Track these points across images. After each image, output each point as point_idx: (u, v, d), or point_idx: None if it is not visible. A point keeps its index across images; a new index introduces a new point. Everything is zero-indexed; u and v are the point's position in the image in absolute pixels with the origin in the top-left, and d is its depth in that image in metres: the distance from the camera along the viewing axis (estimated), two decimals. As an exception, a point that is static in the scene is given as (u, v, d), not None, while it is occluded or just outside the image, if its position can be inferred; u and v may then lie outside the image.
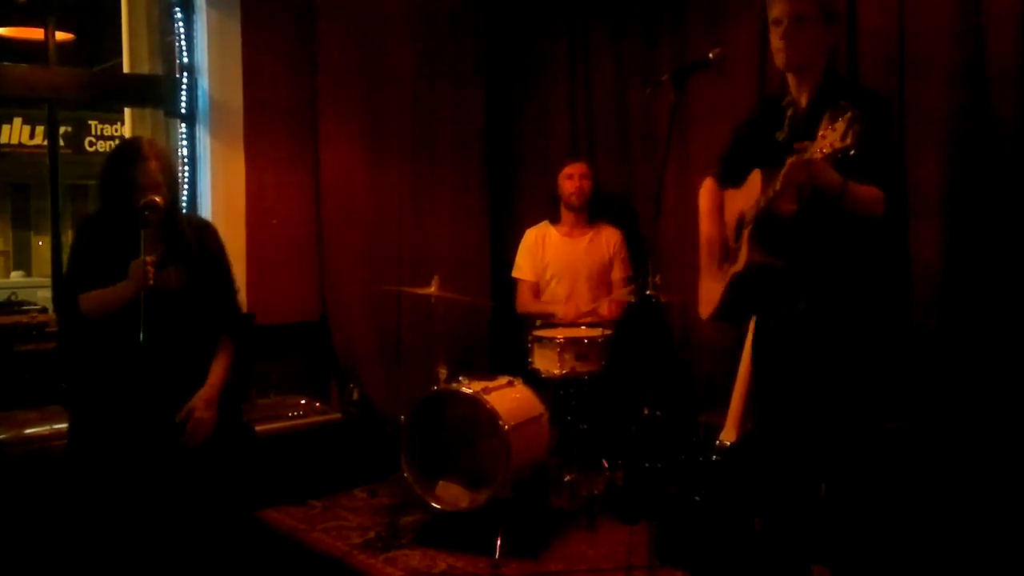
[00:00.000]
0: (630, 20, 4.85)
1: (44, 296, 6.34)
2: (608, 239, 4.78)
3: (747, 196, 2.83)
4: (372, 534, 3.87)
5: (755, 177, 2.76)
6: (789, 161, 2.50)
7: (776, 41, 2.75)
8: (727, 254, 2.97)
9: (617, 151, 4.97)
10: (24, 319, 4.21)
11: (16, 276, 11.61)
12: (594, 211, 4.85)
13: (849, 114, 2.32)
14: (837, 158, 2.39)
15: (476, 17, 5.40)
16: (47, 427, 3.69)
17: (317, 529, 3.98)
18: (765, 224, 2.69)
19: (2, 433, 3.63)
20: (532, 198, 5.31)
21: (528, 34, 5.39)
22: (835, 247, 2.70)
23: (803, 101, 2.80)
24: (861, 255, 2.73)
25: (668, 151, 3.13)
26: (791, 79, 2.83)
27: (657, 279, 3.76)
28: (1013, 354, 3.26)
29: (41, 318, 4.23)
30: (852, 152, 2.32)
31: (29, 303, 4.51)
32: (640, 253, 4.76)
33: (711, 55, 2.96)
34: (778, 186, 2.55)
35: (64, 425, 3.56)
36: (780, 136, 2.81)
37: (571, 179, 4.76)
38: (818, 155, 2.42)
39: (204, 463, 3.12)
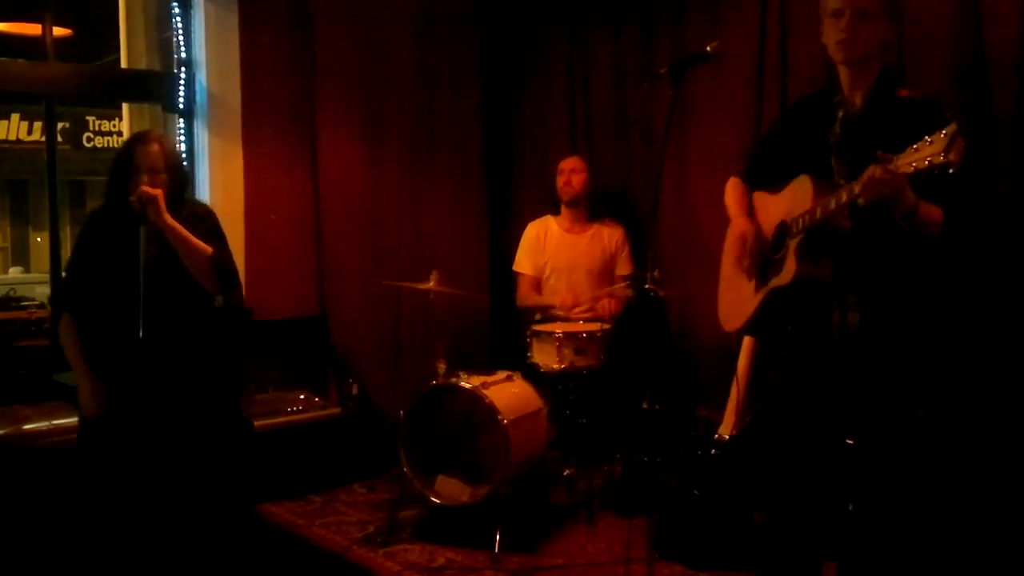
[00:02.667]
0: (628, 15, 4.84)
1: (42, 292, 6.32)
2: (610, 236, 4.76)
3: (790, 202, 2.67)
4: (371, 528, 3.88)
5: (803, 184, 2.61)
6: (873, 172, 2.29)
7: (836, 33, 2.59)
8: (760, 263, 2.82)
9: (616, 146, 4.96)
10: (22, 315, 4.23)
11: (14, 272, 11.62)
12: (596, 207, 4.83)
13: (953, 127, 2.12)
14: (934, 174, 2.16)
15: (474, 12, 5.40)
16: (46, 423, 3.69)
17: (316, 524, 3.99)
18: (817, 236, 2.55)
19: (1, 429, 3.63)
20: (531, 193, 5.31)
21: (526, 29, 5.39)
22: (890, 260, 2.56)
23: (857, 101, 2.64)
24: (917, 268, 2.60)
25: (666, 146, 3.08)
26: (844, 75, 2.67)
27: (656, 273, 3.75)
28: (1013, 348, 3.26)
29: (39, 314, 4.24)
30: (951, 170, 2.11)
31: (27, 299, 4.52)
32: (640, 248, 4.75)
33: (709, 49, 2.91)
34: (845, 198, 2.38)
35: (63, 421, 3.58)
36: (832, 137, 2.66)
37: (562, 174, 4.73)
38: (908, 168, 2.22)
39: (203, 458, 3.13)
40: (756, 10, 4.16)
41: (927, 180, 2.22)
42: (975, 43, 3.36)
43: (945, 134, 2.12)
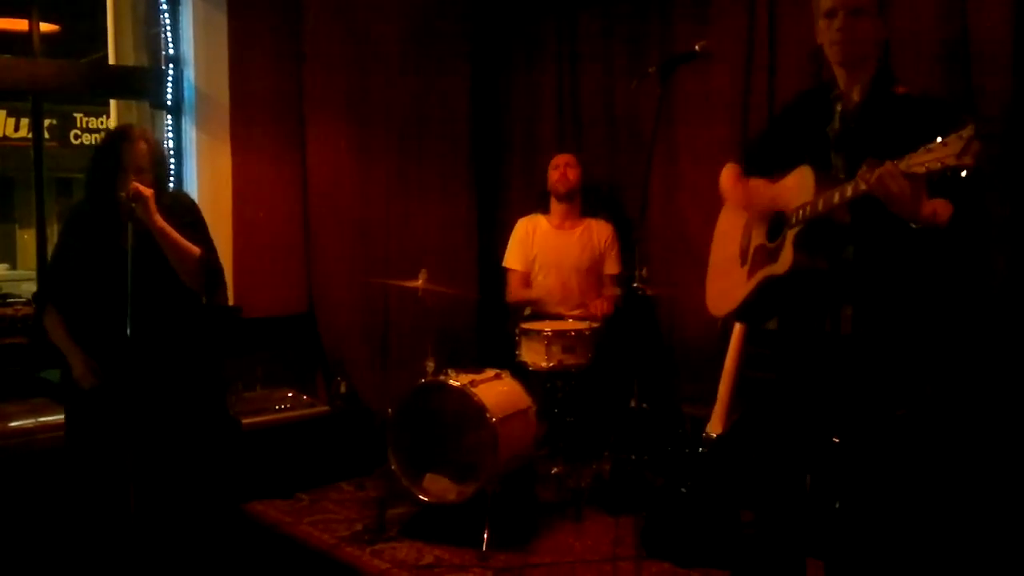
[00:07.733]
0: (618, 12, 4.85)
1: (29, 289, 6.30)
2: (599, 234, 4.77)
3: (789, 192, 2.65)
4: (359, 527, 3.88)
5: (803, 174, 2.58)
6: (883, 168, 2.27)
7: (831, 34, 2.59)
8: (753, 250, 2.81)
9: (604, 143, 4.97)
10: (8, 312, 4.20)
11: (0, 269, 11.55)
12: (585, 205, 4.84)
13: (970, 128, 2.09)
14: (946, 176, 2.14)
15: (464, 9, 5.40)
16: (32, 420, 3.68)
17: (304, 522, 3.98)
18: (817, 227, 2.53)
19: (-14, 426, 3.62)
20: (520, 191, 5.32)
21: (516, 26, 5.39)
22: (887, 255, 2.54)
23: (855, 96, 2.64)
24: (913, 264, 2.57)
25: (654, 143, 3.08)
26: (840, 73, 2.67)
27: (644, 272, 3.76)
28: (1006, 345, 3.28)
29: (26, 311, 4.21)
30: (964, 173, 2.09)
31: (14, 296, 4.50)
32: (629, 246, 4.76)
33: (697, 47, 2.93)
34: (850, 192, 2.37)
35: (50, 418, 3.57)
36: (831, 132, 2.65)
37: (557, 168, 4.76)
38: (920, 169, 2.20)
39: (190, 456, 3.12)
40: (744, 8, 4.17)
41: (938, 179, 2.20)
42: (961, 39, 3.38)
43: (961, 136, 2.09)
